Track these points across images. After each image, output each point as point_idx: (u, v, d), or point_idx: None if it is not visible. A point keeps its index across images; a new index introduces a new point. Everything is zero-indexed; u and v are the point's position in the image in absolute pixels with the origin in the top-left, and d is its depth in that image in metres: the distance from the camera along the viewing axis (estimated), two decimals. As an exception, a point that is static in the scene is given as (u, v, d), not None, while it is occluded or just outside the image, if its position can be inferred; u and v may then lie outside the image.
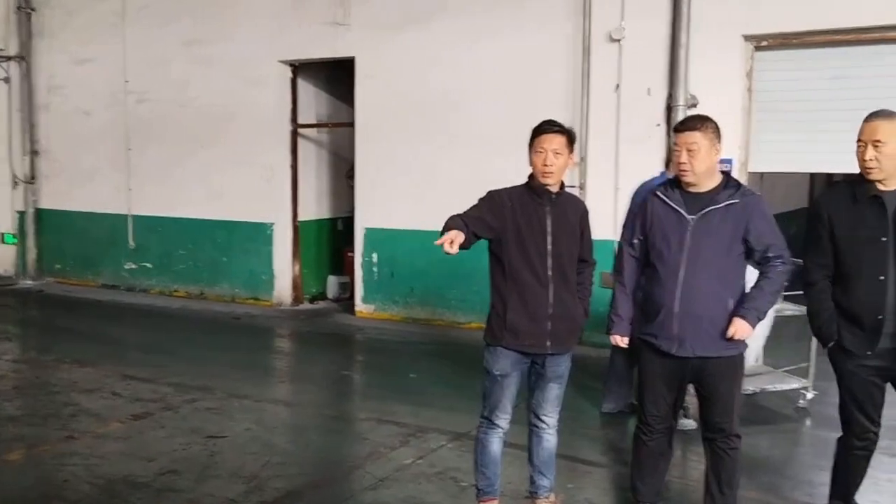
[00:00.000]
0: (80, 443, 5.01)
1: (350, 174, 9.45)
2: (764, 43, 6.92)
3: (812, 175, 13.10)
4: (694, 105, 6.97)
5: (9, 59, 10.91)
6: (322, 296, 10.06)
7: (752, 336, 3.58)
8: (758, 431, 5.25)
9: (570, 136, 3.63)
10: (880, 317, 3.34)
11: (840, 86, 6.66)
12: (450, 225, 3.45)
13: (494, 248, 3.67)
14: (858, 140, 3.36)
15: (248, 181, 9.53)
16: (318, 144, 10.02)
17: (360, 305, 9.04)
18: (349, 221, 9.35)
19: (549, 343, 3.62)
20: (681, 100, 7.02)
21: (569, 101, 7.60)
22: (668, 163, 5.47)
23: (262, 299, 9.65)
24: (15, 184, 11.00)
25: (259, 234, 9.61)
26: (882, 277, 3.32)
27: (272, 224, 9.56)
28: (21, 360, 7.57)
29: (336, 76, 9.52)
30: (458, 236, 3.33)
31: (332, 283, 10.08)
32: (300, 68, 9.48)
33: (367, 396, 6.49)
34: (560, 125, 3.62)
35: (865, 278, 3.36)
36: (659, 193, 3.65)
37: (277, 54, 9.27)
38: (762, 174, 8.33)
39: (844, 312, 3.46)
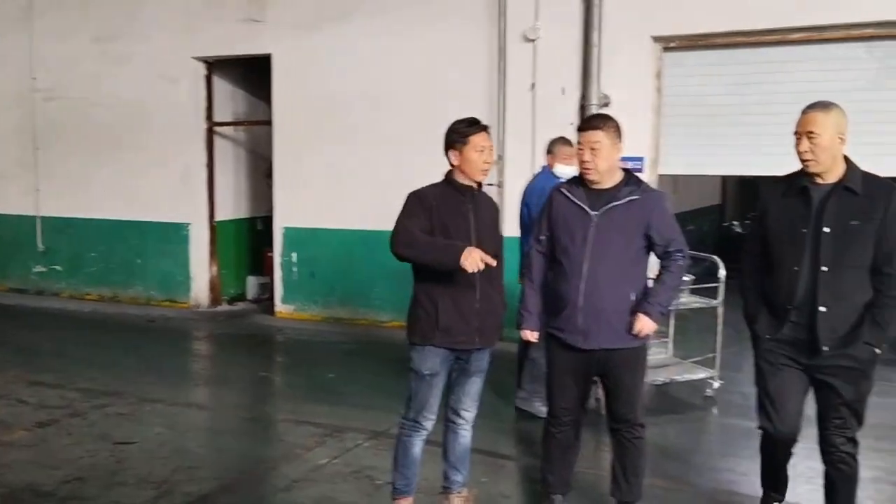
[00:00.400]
0: (-19, 452, 4.82)
1: (268, 173, 9.33)
2: (672, 44, 7.12)
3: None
4: (606, 104, 7.12)
5: None
6: (241, 297, 9.90)
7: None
8: (666, 421, 5.42)
9: None
10: (789, 306, 3.37)
11: (745, 89, 6.90)
12: (423, 240, 3.45)
13: None
14: (795, 132, 3.34)
15: (163, 181, 9.31)
16: (236, 143, 9.86)
17: (279, 306, 8.94)
18: (269, 221, 9.23)
19: (477, 339, 3.65)
20: (593, 99, 7.16)
21: (486, 99, 7.68)
22: (548, 151, 5.55)
23: (179, 301, 9.44)
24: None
25: (174, 234, 9.40)
26: (796, 268, 3.33)
27: (188, 224, 9.36)
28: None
29: (253, 73, 9.38)
30: (479, 252, 3.35)
31: (252, 283, 9.94)
32: (215, 65, 9.30)
33: (285, 398, 6.42)
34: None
35: (783, 268, 3.39)
36: (563, 190, 3.73)
37: (191, 51, 9.08)
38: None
39: (765, 299, 3.50)
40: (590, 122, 3.72)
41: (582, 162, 3.62)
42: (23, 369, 6.71)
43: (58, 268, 10.06)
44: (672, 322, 6.24)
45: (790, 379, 3.46)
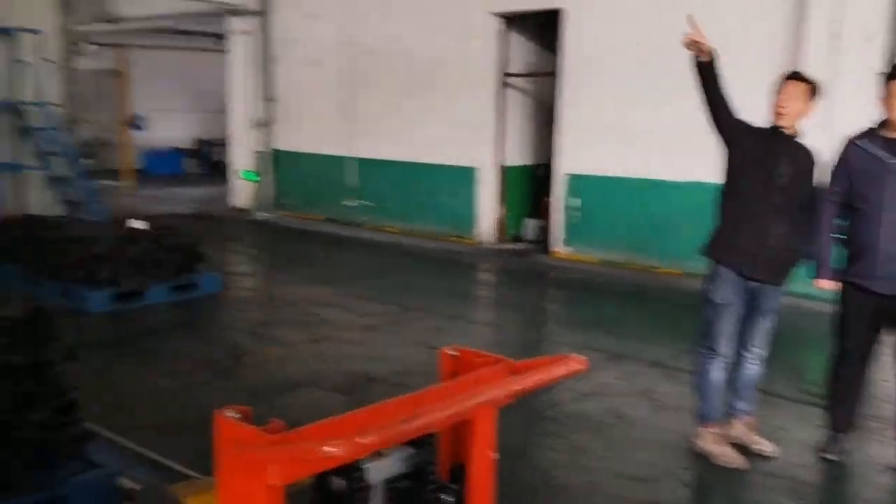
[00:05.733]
0: (325, 345, 5.94)
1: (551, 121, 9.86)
2: None
3: None
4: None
5: (250, 13, 12.20)
6: (518, 238, 10.63)
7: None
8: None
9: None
10: None
11: None
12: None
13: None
14: None
15: (456, 128, 10.22)
16: (525, 93, 10.50)
17: (557, 247, 9.52)
18: (548, 168, 9.80)
19: (767, 272, 3.93)
20: (905, 48, 6.82)
21: (782, 45, 7.56)
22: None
23: (465, 238, 10.37)
24: (254, 127, 12.40)
25: (464, 177, 10.31)
26: None
27: (477, 168, 10.22)
28: (266, 278, 8.83)
29: (544, 25, 9.90)
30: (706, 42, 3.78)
31: (530, 225, 10.61)
32: (510, 19, 9.95)
33: (567, 325, 7.04)
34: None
35: None
36: (857, 142, 3.86)
37: (489, 6, 9.80)
38: None
39: None
40: None
41: None
42: (344, 285, 7.97)
43: (365, 202, 11.44)
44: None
45: None
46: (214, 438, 1.80)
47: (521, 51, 10.29)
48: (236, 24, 12.48)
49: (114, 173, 15.47)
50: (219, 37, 13.68)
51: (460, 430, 2.26)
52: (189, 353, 5.69)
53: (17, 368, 3.01)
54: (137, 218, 7.71)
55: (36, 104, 9.19)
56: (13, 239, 7.16)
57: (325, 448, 1.60)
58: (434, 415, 1.89)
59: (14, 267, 6.95)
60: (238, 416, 1.79)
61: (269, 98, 12.28)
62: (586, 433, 4.41)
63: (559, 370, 2.24)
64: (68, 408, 3.18)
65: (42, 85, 9.20)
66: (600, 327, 6.58)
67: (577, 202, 9.26)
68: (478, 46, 9.97)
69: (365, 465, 1.97)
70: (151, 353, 5.72)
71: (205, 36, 15.70)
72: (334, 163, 11.69)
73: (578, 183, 9.23)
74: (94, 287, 6.53)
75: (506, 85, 10.17)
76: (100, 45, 15.76)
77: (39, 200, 9.24)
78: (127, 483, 3.29)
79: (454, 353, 2.43)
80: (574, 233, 9.37)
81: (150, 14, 13.82)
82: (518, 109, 10.47)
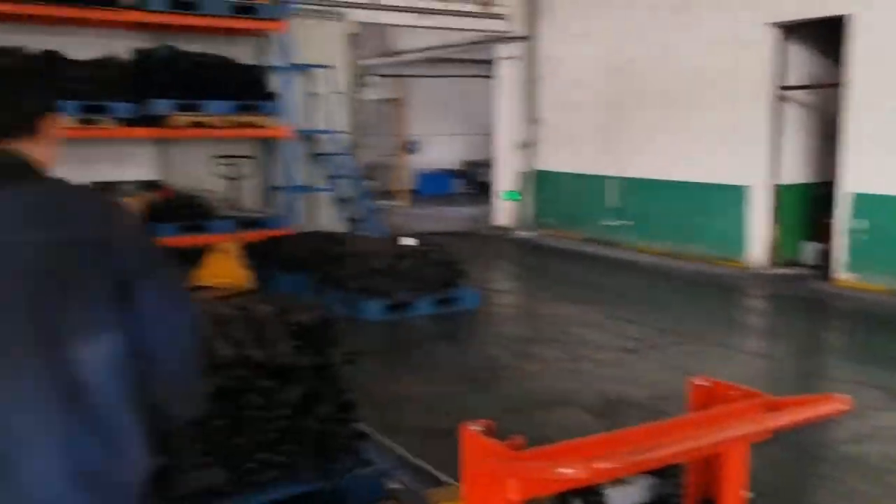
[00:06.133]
0: (583, 364, 5.95)
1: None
2: None
3: None
4: None
5: (517, 39, 12.61)
6: (793, 262, 9.86)
7: None
8: None
9: None
10: None
11: None
12: None
13: None
14: None
15: (726, 145, 9.74)
16: (805, 106, 9.76)
17: (839, 273, 8.70)
18: (831, 186, 9.00)
19: None
20: None
21: None
22: None
23: (734, 261, 9.82)
24: (517, 148, 12.78)
25: (734, 196, 9.79)
26: None
27: (748, 187, 9.66)
28: (524, 295, 9.04)
29: (829, 33, 9.14)
30: None
31: (808, 249, 9.81)
32: (791, 29, 9.33)
33: (846, 358, 6.42)
34: None
35: None
36: None
37: (764, 17, 9.26)
38: None
39: None
40: None
41: None
42: (604, 305, 7.94)
43: (626, 222, 11.26)
44: None
45: None
46: (460, 449, 1.90)
47: (801, 61, 9.58)
48: (503, 50, 12.98)
49: (390, 193, 16.74)
50: (486, 63, 14.29)
51: (710, 464, 2.17)
52: (450, 363, 6.01)
53: (306, 369, 3.38)
54: (409, 235, 8.27)
55: (326, 132, 10.23)
56: (304, 252, 8.01)
57: (560, 469, 1.63)
58: (678, 446, 1.84)
59: (304, 276, 7.77)
60: (482, 428, 1.88)
61: (533, 120, 12.60)
62: (862, 479, 4.01)
63: (820, 410, 2.07)
64: (347, 407, 3.51)
65: (332, 114, 10.22)
66: (887, 363, 5.92)
67: (864, 224, 8.40)
68: (751, 59, 9.45)
69: (605, 490, 1.96)
70: (416, 362, 6.12)
71: (473, 63, 16.50)
72: (595, 182, 11.68)
73: (866, 203, 8.38)
74: (370, 297, 7.11)
75: (782, 98, 9.53)
76: (381, 76, 17.19)
77: (327, 218, 10.25)
78: (390, 483, 3.55)
79: (706, 384, 2.33)
80: (860, 258, 8.51)
81: (424, 46, 14.80)
82: (796, 124, 9.75)
